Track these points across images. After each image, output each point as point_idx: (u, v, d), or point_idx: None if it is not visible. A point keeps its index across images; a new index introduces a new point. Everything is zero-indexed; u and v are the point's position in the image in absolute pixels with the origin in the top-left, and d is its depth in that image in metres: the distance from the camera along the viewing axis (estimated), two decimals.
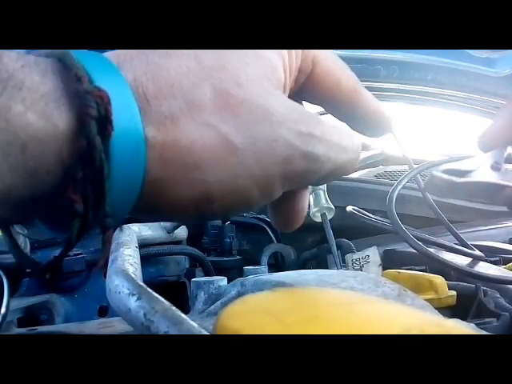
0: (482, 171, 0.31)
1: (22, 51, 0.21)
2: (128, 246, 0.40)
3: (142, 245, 0.60)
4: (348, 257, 0.58)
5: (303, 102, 0.29)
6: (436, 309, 0.37)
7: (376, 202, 0.80)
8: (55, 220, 0.22)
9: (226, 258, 0.74)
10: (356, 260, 0.56)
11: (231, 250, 0.75)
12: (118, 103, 0.20)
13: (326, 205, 0.58)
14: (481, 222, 0.82)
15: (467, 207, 0.86)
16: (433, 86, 1.06)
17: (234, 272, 0.70)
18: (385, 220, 0.57)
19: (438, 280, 0.44)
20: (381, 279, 0.38)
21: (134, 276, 0.32)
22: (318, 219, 0.60)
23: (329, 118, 0.28)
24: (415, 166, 0.57)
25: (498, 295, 0.43)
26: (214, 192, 0.23)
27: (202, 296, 0.44)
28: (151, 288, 0.29)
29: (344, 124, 0.29)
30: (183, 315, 0.24)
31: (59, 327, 0.51)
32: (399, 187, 0.54)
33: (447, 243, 0.55)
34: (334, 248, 0.60)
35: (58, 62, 0.20)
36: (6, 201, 0.19)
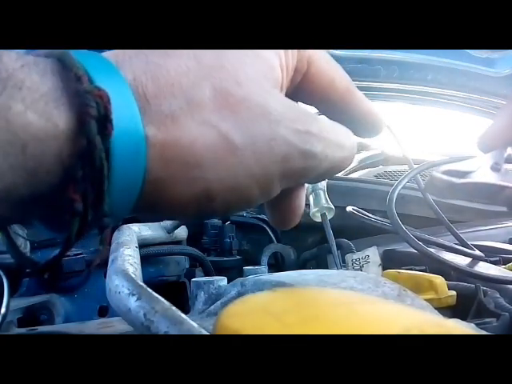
0: (482, 172, 0.31)
1: (22, 51, 0.21)
2: (128, 246, 0.41)
3: (142, 245, 0.60)
4: (348, 257, 0.58)
5: (298, 102, 0.29)
6: (436, 309, 0.37)
7: (376, 202, 0.80)
8: (55, 220, 0.22)
9: (226, 258, 0.74)
10: (356, 260, 0.56)
11: (231, 249, 0.75)
12: (117, 103, 0.20)
13: (325, 205, 0.58)
14: (481, 222, 0.82)
15: (467, 207, 0.86)
16: (433, 86, 1.06)
17: (234, 272, 0.70)
18: (385, 220, 0.57)
19: (438, 280, 0.44)
20: (381, 279, 0.38)
21: (134, 276, 0.32)
22: (318, 219, 0.60)
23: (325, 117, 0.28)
24: (415, 166, 0.57)
25: (498, 295, 0.43)
26: (215, 190, 0.23)
27: (201, 296, 0.44)
28: (151, 288, 0.29)
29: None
30: (183, 315, 0.24)
31: (59, 327, 0.51)
32: (399, 187, 0.54)
33: (447, 243, 0.56)
34: (334, 248, 0.60)
35: (58, 62, 0.20)
36: (5, 200, 0.19)
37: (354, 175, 1.22)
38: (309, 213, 0.59)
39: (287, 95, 0.26)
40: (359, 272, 0.54)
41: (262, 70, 0.25)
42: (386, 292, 0.36)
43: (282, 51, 0.26)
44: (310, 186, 0.59)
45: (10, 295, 0.46)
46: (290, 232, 0.78)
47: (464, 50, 1.01)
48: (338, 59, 0.28)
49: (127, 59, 0.22)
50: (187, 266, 0.71)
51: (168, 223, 0.66)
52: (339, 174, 1.15)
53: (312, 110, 0.29)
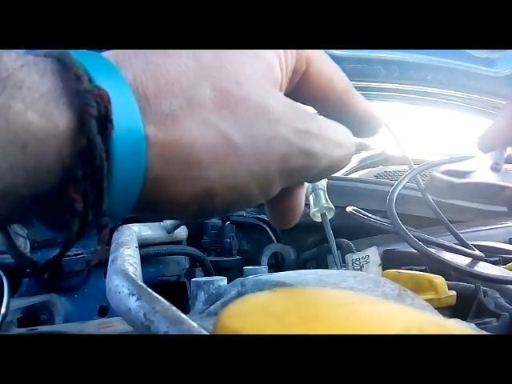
0: (482, 172, 0.31)
1: (22, 51, 0.21)
2: (128, 246, 0.41)
3: (142, 245, 0.60)
4: (348, 257, 0.58)
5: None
6: (436, 309, 0.37)
7: (376, 202, 0.80)
8: (55, 220, 0.22)
9: (226, 258, 0.74)
10: (356, 260, 0.56)
11: (231, 249, 0.75)
12: (118, 102, 0.20)
13: (325, 205, 0.58)
14: (481, 222, 0.82)
15: (467, 207, 0.86)
16: (433, 86, 1.06)
17: (234, 272, 0.70)
18: (385, 220, 0.57)
19: (438, 280, 0.44)
20: (381, 279, 0.38)
21: (134, 276, 0.32)
22: (318, 219, 0.60)
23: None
24: (415, 166, 0.57)
25: (498, 295, 0.43)
26: (215, 189, 0.23)
27: (201, 296, 0.44)
28: (151, 288, 0.29)
29: None
30: (183, 315, 0.25)
31: (59, 327, 0.51)
32: (399, 187, 0.55)
33: (447, 243, 0.56)
34: (334, 248, 0.60)
35: (57, 62, 0.20)
36: (5, 199, 0.19)
37: (354, 175, 1.22)
38: (309, 213, 0.59)
39: (286, 95, 0.26)
40: (359, 272, 0.54)
41: (261, 70, 0.25)
42: (386, 292, 0.36)
43: (281, 51, 0.26)
44: (310, 185, 0.59)
45: (10, 295, 0.46)
46: (290, 232, 0.78)
47: (464, 49, 1.01)
48: (337, 59, 0.28)
49: (127, 59, 0.22)
50: (187, 266, 0.70)
51: (168, 223, 0.66)
52: (339, 174, 1.15)
53: (310, 110, 0.29)
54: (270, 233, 0.78)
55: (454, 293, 0.44)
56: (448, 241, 0.57)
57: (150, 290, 0.28)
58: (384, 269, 0.53)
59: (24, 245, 0.55)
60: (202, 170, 0.23)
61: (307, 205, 0.58)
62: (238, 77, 0.24)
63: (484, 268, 0.50)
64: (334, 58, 0.28)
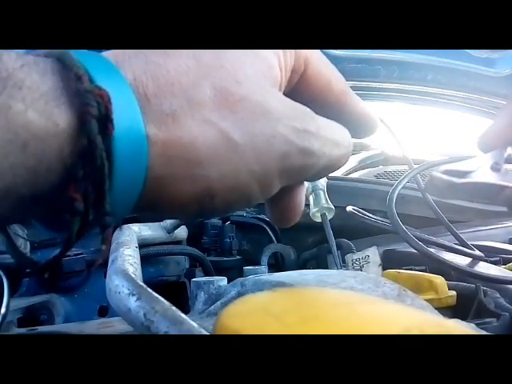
0: (482, 172, 0.31)
1: (22, 51, 0.21)
2: (128, 246, 0.41)
3: (142, 245, 0.60)
4: (348, 257, 0.58)
5: None
6: (436, 309, 0.37)
7: (376, 202, 0.80)
8: (55, 220, 0.22)
9: (225, 258, 0.74)
10: (356, 260, 0.56)
11: (231, 249, 0.75)
12: (118, 102, 0.20)
13: (325, 205, 0.58)
14: (481, 222, 0.82)
15: (467, 207, 0.86)
16: (433, 86, 1.06)
17: (234, 272, 0.70)
18: (385, 220, 0.57)
19: (438, 280, 0.44)
20: (381, 279, 0.38)
21: (134, 276, 0.32)
22: (318, 219, 0.60)
23: None
24: (415, 166, 0.57)
25: (498, 295, 0.43)
26: (216, 188, 0.23)
27: (201, 296, 0.44)
28: (151, 288, 0.29)
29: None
30: (183, 315, 0.24)
31: (59, 327, 0.51)
32: (399, 187, 0.54)
33: (447, 243, 0.55)
34: (334, 248, 0.60)
35: (57, 62, 0.20)
36: (5, 199, 0.19)
37: (354, 175, 1.22)
38: (309, 213, 0.59)
39: (285, 95, 0.27)
40: (359, 272, 0.54)
41: (261, 70, 0.25)
42: (386, 292, 0.36)
43: (280, 51, 0.26)
44: (310, 186, 0.59)
45: (10, 295, 0.46)
46: (290, 232, 0.78)
47: (464, 49, 1.01)
48: (337, 59, 0.28)
49: (127, 59, 0.22)
50: (187, 266, 0.70)
51: (168, 223, 0.66)
52: (339, 174, 1.15)
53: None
54: (270, 233, 0.78)
55: (454, 293, 0.44)
56: (448, 241, 0.57)
57: (150, 290, 0.28)
58: (384, 269, 0.53)
59: (24, 245, 0.55)
60: (203, 169, 0.23)
61: (307, 205, 0.58)
62: (237, 76, 0.24)
63: (484, 268, 0.50)
64: (334, 58, 0.28)
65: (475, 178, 0.31)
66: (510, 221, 0.79)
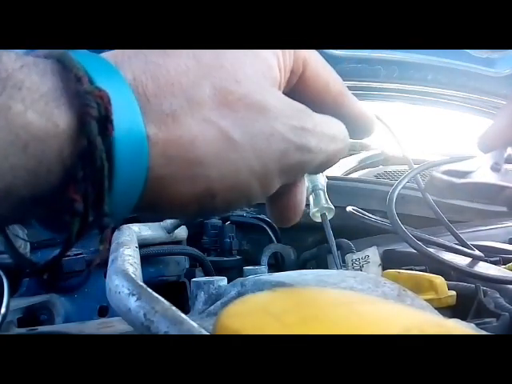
0: (482, 172, 0.31)
1: (21, 51, 0.21)
2: (128, 246, 0.40)
3: (142, 245, 0.60)
4: (348, 257, 0.58)
5: None
6: (436, 309, 0.37)
7: (376, 202, 0.80)
8: (55, 220, 0.22)
9: (226, 258, 0.74)
10: (356, 260, 0.56)
11: (231, 249, 0.75)
12: (118, 103, 0.20)
13: (325, 205, 0.58)
14: (481, 222, 0.82)
15: (467, 207, 0.86)
16: (433, 86, 1.06)
17: (234, 272, 0.70)
18: (385, 220, 0.57)
19: (438, 280, 0.44)
20: (381, 279, 0.38)
21: (134, 276, 0.32)
22: (318, 219, 0.59)
23: None
24: (415, 166, 0.57)
25: (498, 295, 0.43)
26: (217, 187, 0.24)
27: (202, 296, 0.44)
28: (151, 288, 0.29)
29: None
30: (183, 315, 0.24)
31: (59, 327, 0.51)
32: (399, 187, 0.54)
33: (447, 243, 0.55)
34: (334, 248, 0.59)
35: (57, 63, 0.20)
36: (5, 200, 0.19)
37: (354, 175, 1.22)
38: (309, 213, 0.59)
39: None
40: (359, 272, 0.54)
41: (260, 69, 0.25)
42: (386, 292, 0.36)
43: (279, 52, 0.26)
44: (310, 186, 0.59)
45: (10, 295, 0.46)
46: (290, 232, 0.78)
47: (464, 49, 1.01)
48: (337, 59, 0.28)
49: (126, 59, 0.22)
50: (187, 266, 0.70)
51: (168, 223, 0.66)
52: (339, 174, 1.15)
53: None
54: (270, 233, 0.78)
55: (453, 293, 0.44)
56: (448, 241, 0.57)
57: (150, 290, 0.28)
58: (384, 269, 0.53)
59: (24, 245, 0.55)
60: (203, 169, 0.23)
61: (307, 205, 0.58)
62: (237, 76, 0.24)
63: (484, 268, 0.50)
64: (334, 58, 0.29)
65: (475, 178, 0.31)
66: (510, 221, 0.79)
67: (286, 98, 0.26)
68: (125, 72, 0.22)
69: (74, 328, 0.45)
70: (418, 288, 0.43)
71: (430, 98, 1.09)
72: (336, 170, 1.23)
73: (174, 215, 0.48)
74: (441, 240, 0.56)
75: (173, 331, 0.24)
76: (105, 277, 0.34)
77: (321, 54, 0.29)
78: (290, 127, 0.25)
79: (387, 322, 0.18)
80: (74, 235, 0.20)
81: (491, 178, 0.31)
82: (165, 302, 0.26)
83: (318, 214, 0.60)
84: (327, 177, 0.61)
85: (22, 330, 0.47)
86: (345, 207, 0.62)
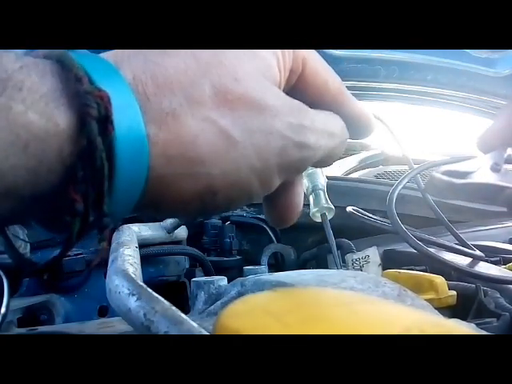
0: (482, 172, 0.31)
1: (20, 52, 0.21)
2: (128, 246, 0.40)
3: (142, 245, 0.60)
4: (348, 257, 0.58)
5: None
6: (436, 309, 0.37)
7: (376, 202, 0.80)
8: (55, 221, 0.22)
9: (226, 258, 0.74)
10: (356, 260, 0.56)
11: (231, 250, 0.75)
12: (118, 103, 0.20)
13: (325, 205, 0.58)
14: (481, 222, 0.82)
15: (467, 207, 0.86)
16: (433, 86, 1.06)
17: (234, 272, 0.70)
18: (385, 220, 0.57)
19: (438, 280, 0.44)
20: (381, 279, 0.38)
21: (134, 276, 0.32)
22: (318, 219, 0.60)
23: None
24: (415, 166, 0.57)
25: (498, 295, 0.43)
26: (217, 185, 0.24)
27: (202, 296, 0.44)
28: (151, 288, 0.29)
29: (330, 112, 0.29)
30: (183, 315, 0.24)
31: (59, 327, 0.51)
32: (399, 187, 0.54)
33: (447, 243, 0.55)
34: (334, 248, 0.60)
35: (57, 63, 0.20)
36: (5, 200, 0.19)
37: (354, 175, 1.22)
38: (309, 213, 0.59)
39: None
40: (359, 272, 0.54)
41: (259, 68, 0.25)
42: (386, 292, 0.36)
43: (279, 51, 0.26)
44: (310, 186, 0.59)
45: (10, 295, 0.46)
46: (290, 232, 0.78)
47: (464, 49, 1.01)
48: (337, 59, 0.28)
49: (126, 59, 0.22)
50: (187, 266, 0.70)
51: (168, 223, 0.66)
52: (339, 174, 1.15)
53: None
54: (270, 233, 0.78)
55: (454, 293, 0.44)
56: (448, 241, 0.57)
57: (150, 290, 0.28)
58: (384, 269, 0.53)
59: (24, 245, 0.55)
60: (204, 167, 0.23)
61: (307, 205, 0.58)
62: (236, 73, 0.24)
63: (484, 268, 0.50)
64: (334, 58, 0.29)
65: (475, 178, 0.31)
66: (510, 221, 0.79)
67: (284, 96, 0.26)
68: (124, 71, 0.22)
69: (74, 328, 0.45)
70: (418, 288, 0.43)
71: (429, 98, 1.09)
72: (336, 170, 1.23)
73: (176, 214, 0.48)
74: (441, 240, 0.56)
75: (173, 331, 0.24)
76: (105, 277, 0.34)
77: (321, 54, 0.29)
78: (288, 124, 0.25)
79: (387, 322, 0.18)
80: (74, 235, 0.20)
81: (491, 179, 0.31)
82: (165, 302, 0.26)
83: (318, 214, 0.60)
84: (327, 177, 0.61)
85: (22, 330, 0.47)
86: (345, 207, 0.62)
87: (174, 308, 0.25)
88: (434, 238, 0.55)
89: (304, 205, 0.32)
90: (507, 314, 0.40)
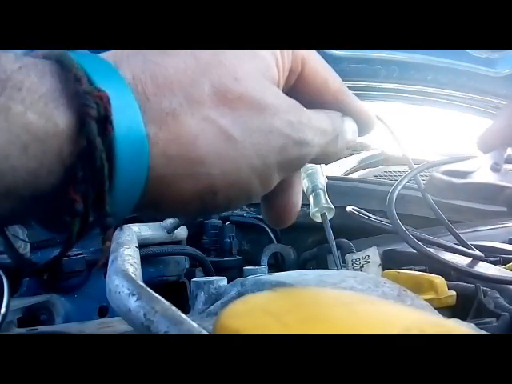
0: (482, 172, 0.31)
1: (20, 52, 0.21)
2: (128, 246, 0.40)
3: (142, 245, 0.60)
4: (348, 257, 0.58)
5: None
6: (436, 309, 0.37)
7: (376, 202, 0.80)
8: (55, 221, 0.22)
9: (226, 258, 0.74)
10: (356, 260, 0.56)
11: (231, 250, 0.75)
12: (118, 103, 0.20)
13: (326, 205, 0.58)
14: (481, 222, 0.82)
15: (467, 207, 0.86)
16: (433, 86, 1.06)
17: (234, 272, 0.70)
18: (385, 220, 0.57)
19: (438, 280, 0.44)
20: (381, 279, 0.38)
21: (134, 276, 0.32)
22: (318, 219, 0.60)
23: None
24: (415, 166, 0.57)
25: (498, 295, 0.43)
26: (217, 185, 0.24)
27: (202, 296, 0.44)
28: (151, 288, 0.29)
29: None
30: (183, 315, 0.24)
31: (59, 327, 0.51)
32: (399, 187, 0.54)
33: (447, 243, 0.55)
34: (334, 248, 0.60)
35: (56, 64, 0.20)
36: (5, 200, 0.19)
37: (354, 175, 1.22)
38: (309, 213, 0.59)
39: None
40: (359, 272, 0.54)
41: (259, 68, 0.25)
42: (386, 292, 0.36)
43: (277, 52, 0.26)
44: (310, 186, 0.59)
45: (10, 295, 0.46)
46: (290, 232, 0.78)
47: (464, 49, 1.01)
48: (337, 59, 0.28)
49: (125, 59, 0.22)
50: (187, 266, 0.70)
51: (168, 223, 0.66)
52: (339, 174, 1.15)
53: None
54: (270, 233, 0.78)
55: (453, 293, 0.44)
56: (448, 241, 0.57)
57: (150, 290, 0.28)
58: (384, 269, 0.53)
59: (24, 245, 0.55)
60: (204, 167, 0.23)
61: (307, 205, 0.58)
62: (236, 73, 0.24)
63: (484, 268, 0.50)
64: (334, 58, 0.29)
65: (475, 178, 0.31)
66: (510, 221, 0.79)
67: (282, 94, 0.26)
68: (124, 71, 0.22)
69: (74, 328, 0.45)
70: (418, 288, 0.43)
71: (429, 98, 1.09)
72: (336, 170, 1.23)
73: (176, 214, 0.48)
74: (441, 240, 0.56)
75: (173, 331, 0.24)
76: (105, 277, 0.34)
77: (321, 54, 0.29)
78: (288, 123, 0.25)
79: (387, 322, 0.18)
80: (74, 235, 0.20)
81: (491, 178, 0.31)
82: (165, 301, 0.26)
83: (318, 214, 0.60)
84: (327, 177, 0.61)
85: (22, 330, 0.47)
86: (345, 207, 0.62)
87: (174, 308, 0.25)
88: (433, 238, 0.55)
89: (304, 205, 0.32)
90: (507, 313, 0.40)
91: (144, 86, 0.22)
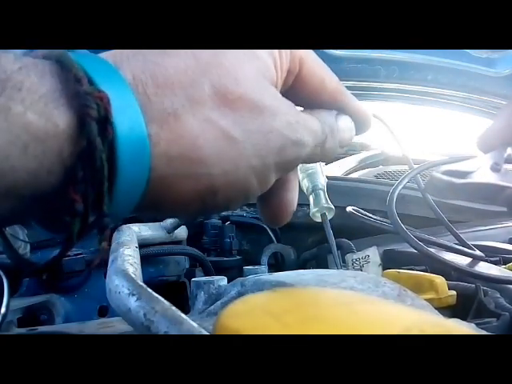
0: (482, 172, 0.31)
1: (19, 52, 0.21)
2: (128, 246, 0.40)
3: (142, 245, 0.60)
4: (348, 257, 0.58)
5: None
6: (436, 309, 0.37)
7: (376, 202, 0.79)
8: (54, 221, 0.22)
9: (226, 258, 0.74)
10: (356, 260, 0.56)
11: (231, 250, 0.75)
12: (118, 103, 0.20)
13: (325, 205, 0.58)
14: (481, 222, 0.82)
15: (467, 207, 0.86)
16: (433, 86, 1.06)
17: (234, 272, 0.70)
18: (385, 220, 0.57)
19: (438, 280, 0.44)
20: (381, 279, 0.38)
21: (134, 276, 0.32)
22: (318, 219, 0.60)
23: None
24: (415, 166, 0.57)
25: (498, 295, 0.43)
26: (218, 185, 0.24)
27: (202, 296, 0.44)
28: (151, 288, 0.29)
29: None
30: (183, 315, 0.24)
31: (59, 327, 0.51)
32: (399, 187, 0.54)
33: (447, 243, 0.55)
34: (334, 248, 0.59)
35: (56, 64, 0.20)
36: (5, 200, 0.19)
37: (354, 175, 1.22)
38: (309, 213, 0.59)
39: None
40: (359, 272, 0.54)
41: (259, 69, 0.25)
42: (386, 292, 0.36)
43: (276, 52, 0.27)
44: (310, 186, 0.59)
45: (10, 295, 0.46)
46: (290, 232, 0.78)
47: (464, 49, 1.01)
48: (338, 59, 0.28)
49: (125, 59, 0.22)
50: (187, 266, 0.70)
51: (168, 223, 0.66)
52: (339, 174, 1.15)
53: None
54: (270, 233, 0.78)
55: (454, 293, 0.44)
56: (448, 241, 0.57)
57: (150, 290, 0.28)
58: (384, 269, 0.53)
59: (24, 245, 0.55)
60: (205, 167, 0.23)
61: (307, 205, 0.58)
62: (236, 74, 0.24)
63: (484, 268, 0.50)
64: (334, 58, 0.29)
65: (475, 178, 0.31)
66: (510, 221, 0.79)
67: (280, 96, 0.27)
68: (124, 72, 0.22)
69: (74, 328, 0.45)
70: (418, 288, 0.43)
71: (429, 98, 1.09)
72: (336, 170, 1.23)
73: (177, 214, 0.48)
74: (441, 240, 0.56)
75: (173, 331, 0.24)
76: (105, 277, 0.34)
77: (321, 54, 0.29)
78: (287, 124, 0.26)
79: (387, 322, 0.18)
80: (74, 235, 0.20)
81: (491, 178, 0.31)
82: (165, 302, 0.26)
83: (318, 214, 0.59)
84: (327, 177, 0.61)
85: (22, 330, 0.47)
86: (345, 207, 0.62)
87: (173, 308, 0.25)
88: (434, 238, 0.55)
89: (304, 205, 0.32)
90: (507, 313, 0.40)
91: (145, 86, 0.22)
